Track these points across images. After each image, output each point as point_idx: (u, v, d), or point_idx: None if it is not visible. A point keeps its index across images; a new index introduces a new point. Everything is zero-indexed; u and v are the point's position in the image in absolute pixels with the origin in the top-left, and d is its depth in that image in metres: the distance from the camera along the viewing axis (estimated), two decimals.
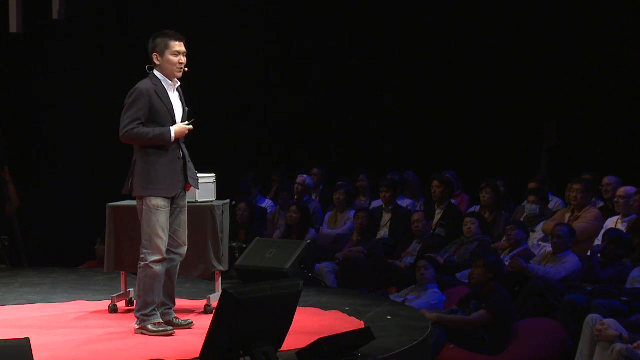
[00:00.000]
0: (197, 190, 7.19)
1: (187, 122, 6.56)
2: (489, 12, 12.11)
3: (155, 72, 6.54)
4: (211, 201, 7.45)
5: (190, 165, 6.68)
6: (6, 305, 7.66)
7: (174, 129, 6.47)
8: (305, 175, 11.88)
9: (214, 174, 7.53)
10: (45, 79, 13.33)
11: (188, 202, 6.93)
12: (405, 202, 10.97)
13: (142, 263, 6.48)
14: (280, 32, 13.24)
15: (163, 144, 6.46)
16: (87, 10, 12.74)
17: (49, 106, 13.36)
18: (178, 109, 6.60)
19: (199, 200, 7.35)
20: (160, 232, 6.46)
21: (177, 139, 6.52)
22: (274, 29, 13.26)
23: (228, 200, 7.78)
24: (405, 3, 12.69)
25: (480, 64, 12.23)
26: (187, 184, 6.65)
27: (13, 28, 10.09)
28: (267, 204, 12.02)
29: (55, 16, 10.16)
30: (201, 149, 7.25)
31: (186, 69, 6.57)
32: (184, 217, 6.65)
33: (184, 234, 6.65)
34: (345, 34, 13.06)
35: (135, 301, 6.78)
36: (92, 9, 12.88)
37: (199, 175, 7.26)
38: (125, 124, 6.40)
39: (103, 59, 12.95)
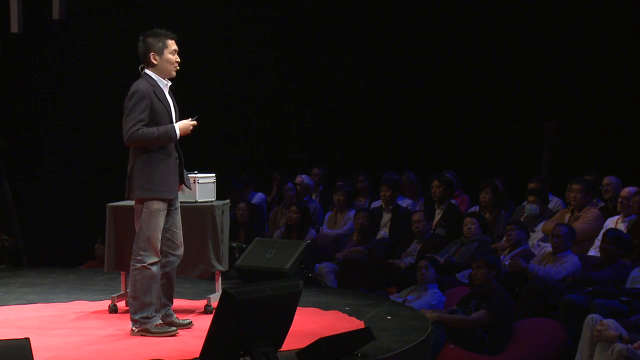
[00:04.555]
0: (197, 190, 7.19)
1: (191, 118, 6.54)
2: (489, 12, 12.11)
3: (149, 72, 6.49)
4: (211, 201, 7.44)
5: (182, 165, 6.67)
6: (6, 305, 7.67)
7: (178, 126, 6.45)
8: (305, 175, 11.88)
9: (214, 174, 7.52)
10: (45, 79, 13.33)
11: (188, 202, 6.91)
12: (405, 202, 10.97)
13: (139, 265, 6.45)
14: (281, 32, 13.24)
15: (169, 142, 6.43)
16: (87, 10, 12.75)
17: (49, 106, 13.37)
18: (173, 108, 6.58)
19: (199, 200, 7.35)
20: (159, 235, 6.45)
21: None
22: (275, 30, 13.26)
23: (228, 200, 7.78)
24: (405, 2, 12.69)
25: (480, 63, 12.23)
26: (180, 183, 6.65)
27: (14, 28, 10.10)
28: (258, 198, 11.96)
29: (55, 16, 10.17)
30: (201, 149, 7.25)
31: (178, 67, 6.58)
32: (179, 218, 6.64)
33: (180, 235, 6.64)
34: (345, 34, 13.06)
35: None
36: (92, 9, 12.88)
37: (198, 175, 7.29)
38: (129, 126, 6.33)
39: (103, 58, 12.95)
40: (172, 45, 6.51)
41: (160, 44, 6.47)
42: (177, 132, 6.44)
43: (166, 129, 6.41)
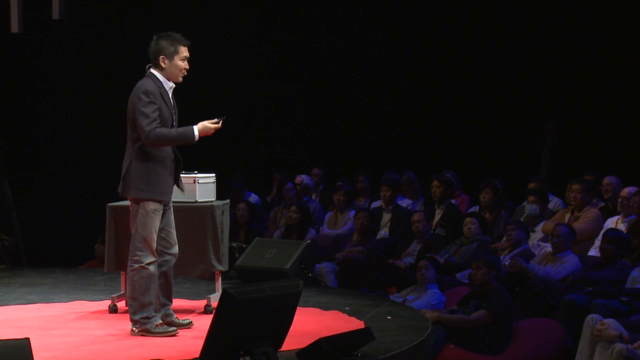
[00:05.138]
0: (197, 190, 7.19)
1: (215, 120, 6.42)
2: (489, 12, 12.11)
3: (155, 73, 6.42)
4: (211, 201, 7.44)
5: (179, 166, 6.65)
6: (6, 305, 7.66)
7: (197, 128, 6.36)
8: (305, 175, 11.88)
9: (214, 174, 7.52)
10: (45, 78, 13.33)
11: (188, 202, 6.88)
12: (405, 202, 10.97)
13: (137, 265, 6.43)
14: (280, 33, 13.24)
15: (187, 143, 6.35)
16: (87, 10, 12.74)
17: (49, 106, 13.36)
18: (175, 111, 6.54)
19: (199, 200, 7.34)
20: (155, 235, 6.44)
21: None
22: (274, 29, 13.26)
23: (228, 200, 7.77)
24: (405, 2, 12.69)
25: (480, 63, 12.23)
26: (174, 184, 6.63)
27: (14, 28, 10.09)
28: (252, 199, 11.97)
29: (55, 16, 10.16)
30: (201, 149, 7.23)
31: (185, 74, 6.54)
32: (172, 217, 6.63)
33: (174, 234, 6.63)
34: (345, 34, 13.06)
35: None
36: (91, 9, 12.87)
37: (198, 175, 7.28)
38: (144, 125, 6.24)
39: (103, 58, 12.95)
40: (184, 51, 6.44)
41: (172, 49, 6.40)
42: (196, 133, 6.34)
43: (184, 130, 6.33)
